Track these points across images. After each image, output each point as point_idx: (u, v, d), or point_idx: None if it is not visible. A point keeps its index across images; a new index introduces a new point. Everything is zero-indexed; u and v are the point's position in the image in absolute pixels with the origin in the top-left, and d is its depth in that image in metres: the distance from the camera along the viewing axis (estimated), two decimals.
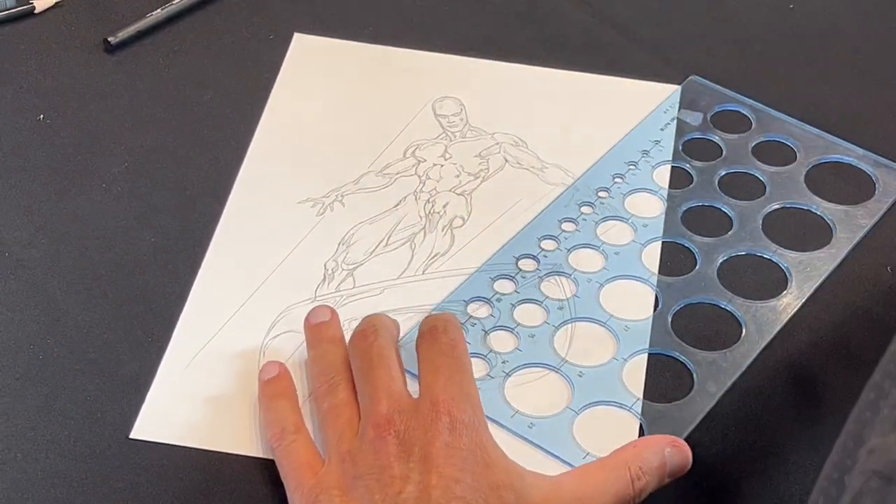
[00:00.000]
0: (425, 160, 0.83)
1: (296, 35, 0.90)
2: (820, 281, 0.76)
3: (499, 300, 0.75)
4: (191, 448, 0.68)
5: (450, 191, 0.81)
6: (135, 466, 0.67)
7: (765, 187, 0.81)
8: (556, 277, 0.76)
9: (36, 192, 0.80)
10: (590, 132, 0.84)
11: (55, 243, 0.77)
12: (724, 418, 0.70)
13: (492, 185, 0.82)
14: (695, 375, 0.71)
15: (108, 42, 0.88)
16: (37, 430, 0.68)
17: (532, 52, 0.90)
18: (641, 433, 0.69)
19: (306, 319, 0.71)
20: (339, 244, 0.78)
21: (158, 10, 0.90)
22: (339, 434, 0.65)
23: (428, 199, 0.81)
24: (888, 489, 0.44)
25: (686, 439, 0.68)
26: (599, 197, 0.80)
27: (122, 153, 0.82)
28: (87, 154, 0.82)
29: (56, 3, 0.91)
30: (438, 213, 0.80)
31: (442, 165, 0.83)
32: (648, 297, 0.75)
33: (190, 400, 0.70)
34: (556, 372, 0.71)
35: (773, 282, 0.77)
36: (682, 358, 0.72)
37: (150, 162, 0.82)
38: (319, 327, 0.71)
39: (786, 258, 0.77)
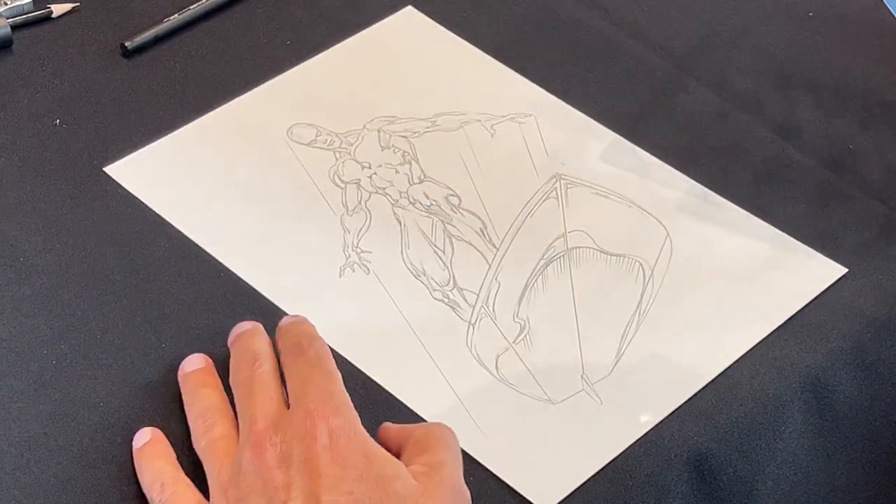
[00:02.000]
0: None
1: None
2: None
3: None
4: None
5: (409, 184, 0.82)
6: None
7: None
8: None
9: (51, 197, 0.80)
10: None
11: (69, 249, 0.77)
12: (736, 425, 0.70)
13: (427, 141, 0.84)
14: None
15: (125, 47, 0.89)
16: (49, 435, 0.68)
17: (548, 57, 0.90)
18: None
19: (180, 368, 0.71)
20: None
21: (175, 15, 0.90)
22: (218, 467, 0.64)
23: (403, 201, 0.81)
24: None
25: (696, 447, 0.68)
26: None
27: None
28: (103, 159, 0.82)
29: (73, 7, 0.91)
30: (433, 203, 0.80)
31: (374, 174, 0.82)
32: None
33: None
34: None
35: None
36: None
37: None
38: (193, 374, 0.70)
39: None
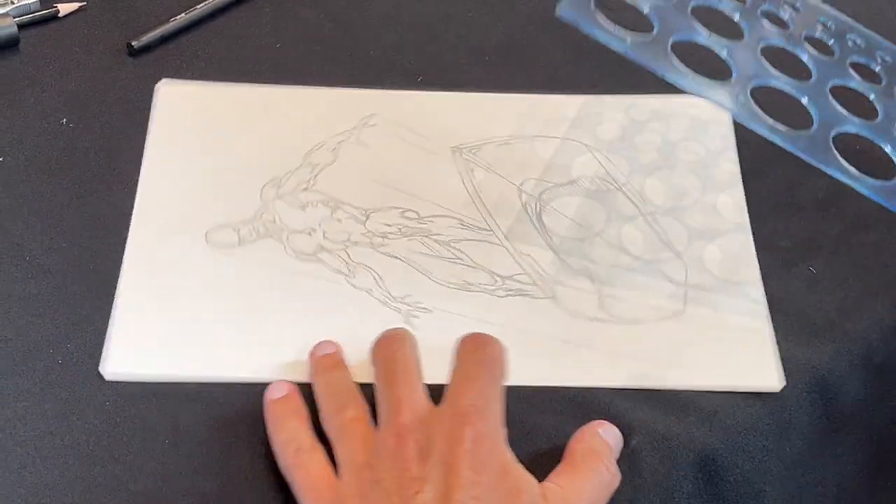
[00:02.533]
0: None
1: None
2: None
3: None
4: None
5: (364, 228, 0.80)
6: (154, 473, 0.67)
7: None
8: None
9: (57, 196, 0.80)
10: None
11: (76, 248, 0.77)
12: (742, 425, 0.70)
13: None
14: None
15: (132, 46, 0.88)
16: (55, 434, 0.68)
17: (554, 59, 0.90)
18: None
19: (311, 353, 0.71)
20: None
21: (182, 15, 0.90)
22: (352, 449, 0.65)
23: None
24: None
25: (702, 447, 0.68)
26: None
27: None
28: (109, 158, 0.82)
29: (80, 6, 0.91)
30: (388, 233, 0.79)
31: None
32: None
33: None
34: None
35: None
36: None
37: None
38: (324, 358, 0.71)
39: None
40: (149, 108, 0.85)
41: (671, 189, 0.81)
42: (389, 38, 0.91)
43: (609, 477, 0.66)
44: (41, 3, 0.90)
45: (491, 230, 0.78)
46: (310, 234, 0.78)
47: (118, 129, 0.84)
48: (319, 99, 0.86)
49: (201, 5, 0.91)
